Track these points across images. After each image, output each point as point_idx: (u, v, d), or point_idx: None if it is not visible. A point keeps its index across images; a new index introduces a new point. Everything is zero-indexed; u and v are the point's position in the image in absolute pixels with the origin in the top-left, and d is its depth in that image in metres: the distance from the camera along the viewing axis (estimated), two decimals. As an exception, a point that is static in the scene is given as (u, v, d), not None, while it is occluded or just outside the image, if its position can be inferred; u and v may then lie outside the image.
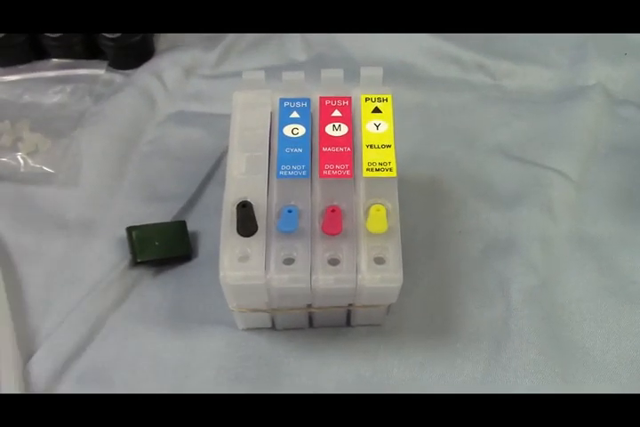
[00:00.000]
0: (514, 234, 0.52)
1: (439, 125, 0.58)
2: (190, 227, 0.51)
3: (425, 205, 0.53)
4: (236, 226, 0.39)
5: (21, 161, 0.54)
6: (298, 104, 0.43)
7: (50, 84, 0.59)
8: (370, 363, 0.46)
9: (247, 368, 0.45)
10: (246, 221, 0.39)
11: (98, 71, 0.60)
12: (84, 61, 0.61)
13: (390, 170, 0.41)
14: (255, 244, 0.39)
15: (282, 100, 0.43)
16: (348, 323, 0.47)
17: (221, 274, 0.39)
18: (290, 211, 0.39)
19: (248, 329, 0.47)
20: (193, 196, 0.53)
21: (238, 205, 0.38)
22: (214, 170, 0.55)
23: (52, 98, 0.58)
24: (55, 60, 0.61)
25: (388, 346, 0.47)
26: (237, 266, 0.39)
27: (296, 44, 0.64)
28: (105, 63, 0.61)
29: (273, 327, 0.47)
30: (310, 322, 0.46)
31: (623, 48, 0.63)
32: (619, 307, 0.48)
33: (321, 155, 0.41)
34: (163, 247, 0.49)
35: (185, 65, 0.62)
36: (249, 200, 0.39)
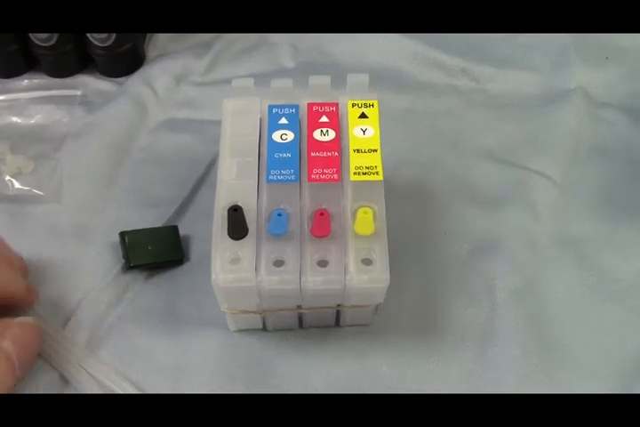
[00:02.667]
0: (499, 235, 0.52)
1: (425, 129, 0.59)
2: (182, 231, 0.51)
3: (412, 207, 0.54)
4: (227, 229, 0.40)
5: (9, 183, 0.54)
6: (286, 110, 0.43)
7: (26, 105, 0.59)
8: (359, 362, 0.46)
9: (240, 369, 0.46)
10: (237, 224, 0.40)
11: (74, 92, 0.60)
12: (59, 81, 0.61)
13: (377, 174, 0.42)
14: (246, 247, 0.40)
15: (270, 107, 0.43)
16: (337, 323, 0.47)
17: (213, 276, 0.39)
18: (279, 214, 0.40)
19: (240, 330, 0.47)
20: (184, 201, 0.54)
21: (229, 209, 0.39)
22: (205, 175, 0.55)
23: (30, 119, 0.58)
24: (27, 81, 0.61)
25: (376, 345, 0.47)
26: (229, 268, 0.39)
27: (285, 51, 0.64)
28: (95, 75, 0.62)
29: (264, 328, 0.47)
30: (300, 323, 0.47)
31: (604, 52, 0.64)
32: (600, 305, 0.49)
33: (309, 159, 0.42)
34: (155, 252, 0.50)
35: (175, 72, 0.62)
36: (239, 204, 0.40)
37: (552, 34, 0.65)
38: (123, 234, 0.50)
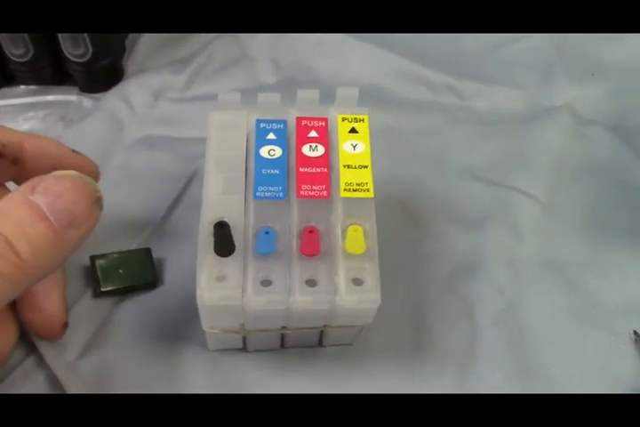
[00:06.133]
0: (481, 256, 0.51)
1: (408, 147, 0.58)
2: (156, 253, 0.49)
3: (393, 227, 0.52)
4: (212, 246, 0.39)
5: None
6: (274, 126, 0.42)
7: (20, 110, 0.59)
8: (339, 383, 0.45)
9: (218, 389, 0.44)
10: (223, 240, 0.38)
11: (68, 97, 0.60)
12: (53, 88, 0.60)
13: (367, 191, 0.41)
14: (232, 264, 0.38)
15: (258, 122, 0.42)
16: (320, 343, 0.46)
17: (198, 293, 0.38)
18: (267, 232, 0.39)
19: (218, 350, 0.46)
20: (159, 222, 0.52)
21: (215, 225, 0.38)
22: (181, 195, 0.54)
23: (24, 124, 0.58)
24: (23, 86, 0.60)
25: (357, 367, 0.46)
26: (215, 286, 0.38)
27: (266, 67, 0.63)
28: (75, 89, 0.60)
29: (244, 349, 0.46)
30: (282, 343, 0.46)
31: (591, 69, 0.64)
32: (584, 330, 0.48)
33: (298, 175, 0.41)
34: (127, 276, 0.48)
35: (154, 88, 0.61)
36: (226, 220, 0.38)
37: (538, 49, 0.65)
38: (93, 258, 0.48)
